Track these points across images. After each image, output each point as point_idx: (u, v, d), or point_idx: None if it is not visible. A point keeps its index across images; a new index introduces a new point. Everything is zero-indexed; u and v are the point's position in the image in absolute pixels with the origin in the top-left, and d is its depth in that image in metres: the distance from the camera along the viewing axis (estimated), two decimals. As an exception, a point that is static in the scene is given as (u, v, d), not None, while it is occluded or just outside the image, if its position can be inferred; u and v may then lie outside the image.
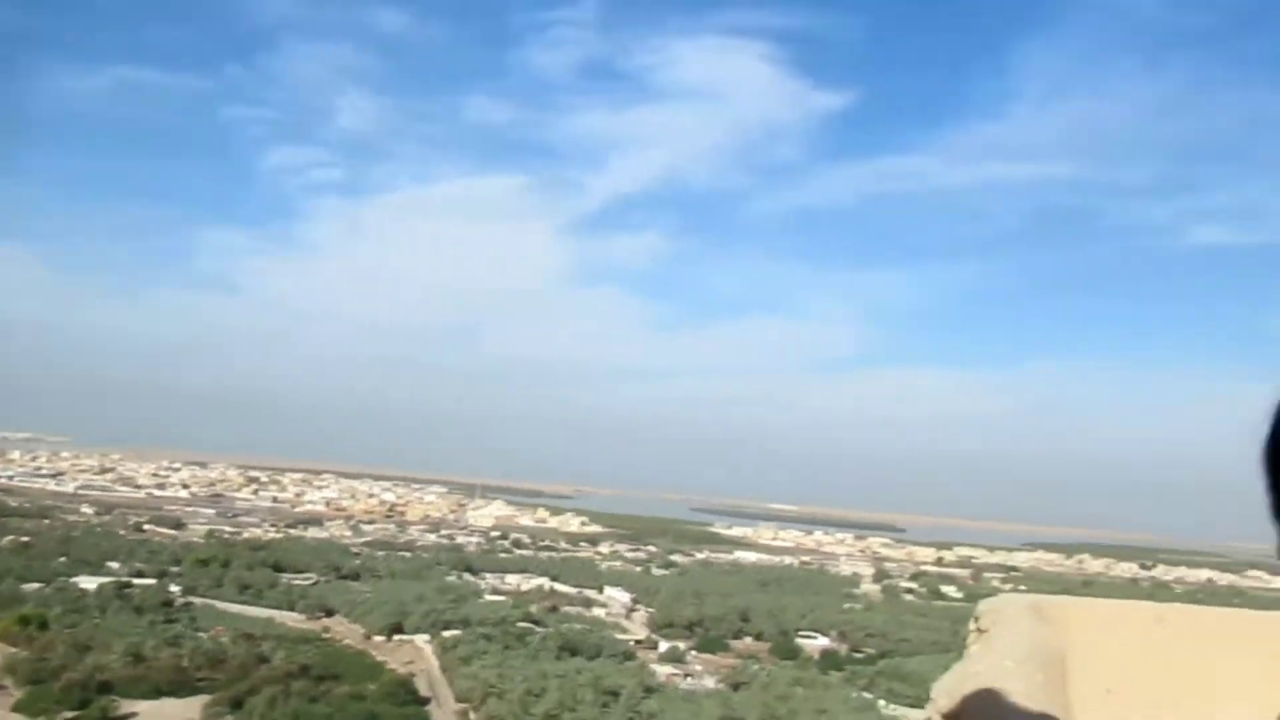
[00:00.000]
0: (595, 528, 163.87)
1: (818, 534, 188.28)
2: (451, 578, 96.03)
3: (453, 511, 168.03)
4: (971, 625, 4.68)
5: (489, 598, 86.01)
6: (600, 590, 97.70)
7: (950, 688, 3.04)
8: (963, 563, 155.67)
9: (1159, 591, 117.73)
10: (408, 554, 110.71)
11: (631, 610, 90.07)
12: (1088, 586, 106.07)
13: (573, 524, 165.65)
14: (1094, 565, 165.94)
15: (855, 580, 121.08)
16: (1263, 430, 0.94)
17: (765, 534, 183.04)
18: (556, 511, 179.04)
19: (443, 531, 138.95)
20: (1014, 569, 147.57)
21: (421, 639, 70.84)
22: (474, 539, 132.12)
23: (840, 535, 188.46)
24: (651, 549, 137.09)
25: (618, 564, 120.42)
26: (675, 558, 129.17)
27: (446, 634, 69.14)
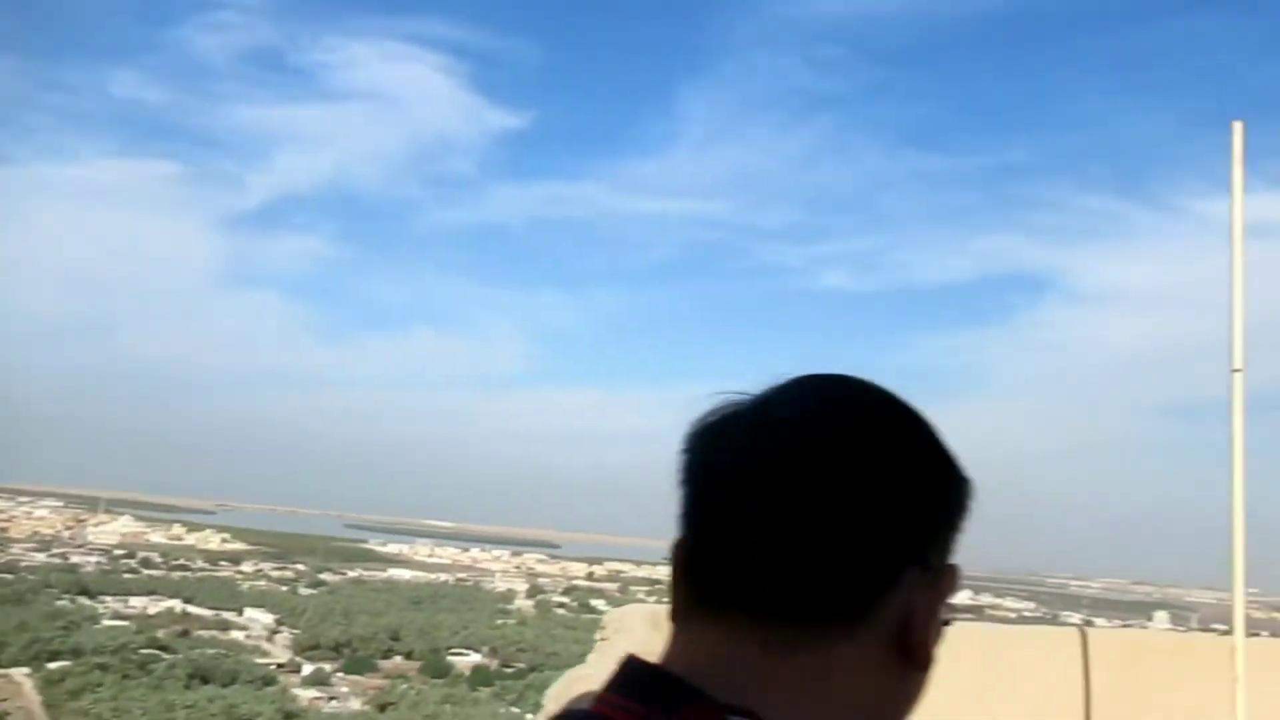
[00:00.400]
0: (238, 545, 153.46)
1: (474, 550, 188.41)
2: (63, 602, 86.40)
3: (69, 528, 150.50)
4: (598, 635, 5.00)
5: (108, 623, 78.20)
6: (240, 612, 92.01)
7: (559, 692, 3.27)
8: (612, 576, 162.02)
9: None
10: (9, 576, 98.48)
11: (274, 633, 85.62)
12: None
13: (213, 541, 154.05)
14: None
15: (509, 596, 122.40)
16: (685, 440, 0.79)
17: (421, 551, 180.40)
18: (195, 528, 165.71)
19: (55, 550, 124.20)
20: (659, 582, 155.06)
21: (20, 672, 63.03)
22: (94, 558, 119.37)
23: (497, 552, 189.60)
24: (300, 567, 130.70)
25: (262, 583, 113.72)
26: (325, 576, 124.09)
27: (53, 665, 62.11)
